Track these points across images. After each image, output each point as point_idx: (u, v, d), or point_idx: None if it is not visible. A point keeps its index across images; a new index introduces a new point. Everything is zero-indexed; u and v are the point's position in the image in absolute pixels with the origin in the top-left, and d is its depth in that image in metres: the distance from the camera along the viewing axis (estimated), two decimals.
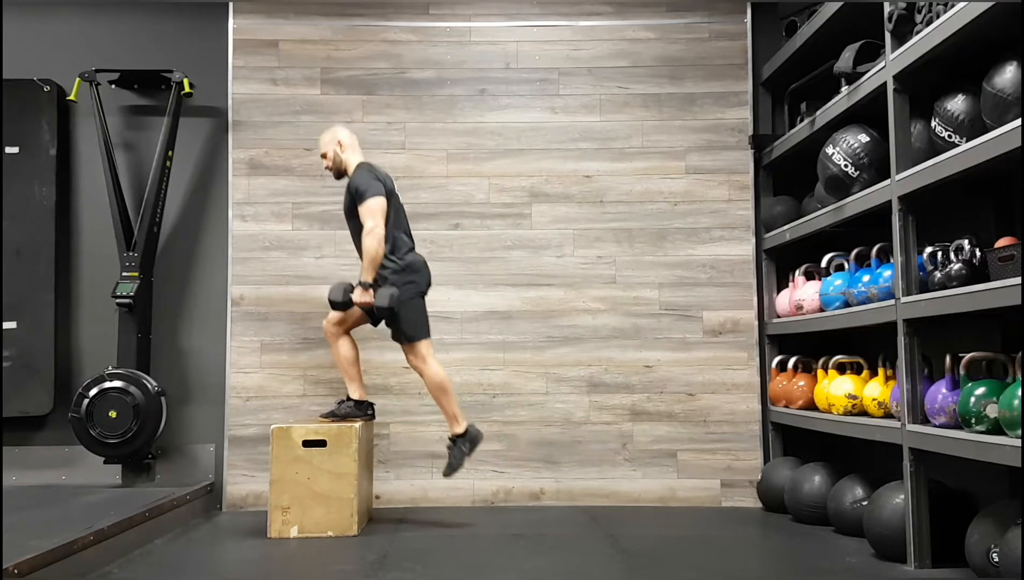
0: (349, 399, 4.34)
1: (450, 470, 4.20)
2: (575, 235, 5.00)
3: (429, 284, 4.31)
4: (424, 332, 4.24)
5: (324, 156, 4.35)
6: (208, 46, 5.05)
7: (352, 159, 4.31)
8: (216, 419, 4.87)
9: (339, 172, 4.36)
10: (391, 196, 4.23)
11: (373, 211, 4.11)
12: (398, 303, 4.09)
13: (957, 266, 3.11)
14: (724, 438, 4.87)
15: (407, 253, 4.25)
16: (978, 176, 3.09)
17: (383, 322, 4.23)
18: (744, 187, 5.01)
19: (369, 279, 4.09)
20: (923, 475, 3.29)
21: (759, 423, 4.87)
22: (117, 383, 4.50)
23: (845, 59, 3.87)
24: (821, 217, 4.16)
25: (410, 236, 4.33)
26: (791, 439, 4.75)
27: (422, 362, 4.22)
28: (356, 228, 4.23)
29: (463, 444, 4.22)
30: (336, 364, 4.44)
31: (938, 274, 3.20)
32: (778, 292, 4.84)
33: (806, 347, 4.64)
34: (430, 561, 3.52)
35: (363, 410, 4.35)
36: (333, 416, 4.27)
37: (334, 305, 4.17)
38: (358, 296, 4.09)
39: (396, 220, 4.24)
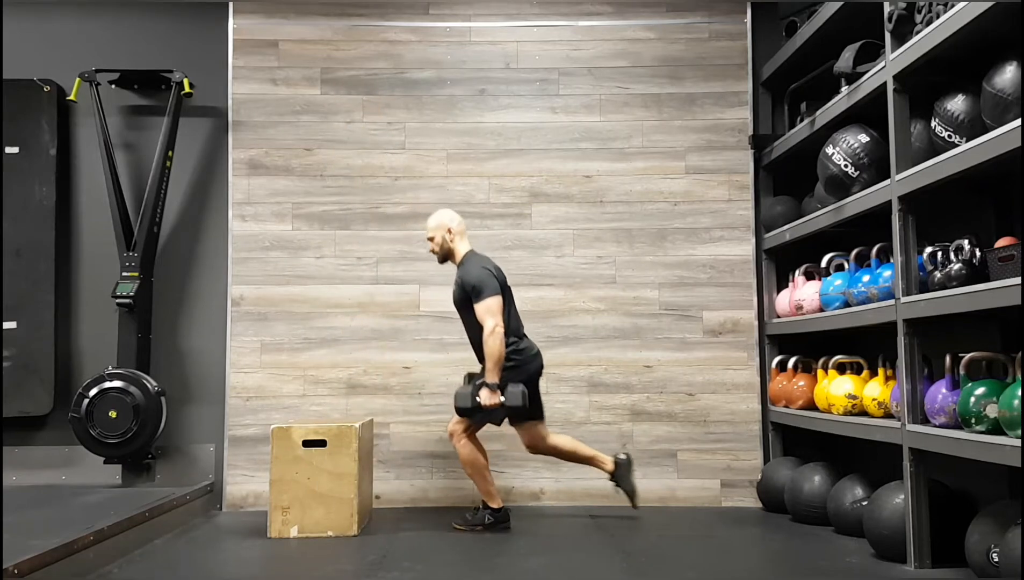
0: (486, 507, 4.18)
1: (463, 523, 4.17)
2: (575, 235, 5.00)
3: (542, 368, 4.27)
4: (541, 413, 4.26)
5: (431, 240, 4.27)
6: (208, 46, 5.05)
7: (461, 248, 4.25)
8: (216, 419, 4.87)
9: (444, 257, 4.29)
10: (505, 289, 4.18)
11: (492, 310, 4.03)
12: (528, 399, 4.05)
13: (957, 266, 3.11)
14: (724, 438, 4.87)
15: (523, 342, 4.20)
16: (978, 176, 3.09)
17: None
18: (744, 187, 5.01)
19: (495, 380, 4.00)
20: (923, 475, 3.29)
21: (759, 423, 4.87)
22: (117, 383, 4.50)
23: (845, 59, 3.87)
24: (821, 217, 4.16)
25: (520, 322, 4.27)
26: (791, 439, 4.75)
27: (541, 440, 4.24)
28: (469, 321, 4.15)
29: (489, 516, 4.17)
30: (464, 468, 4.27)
31: (938, 274, 3.19)
32: (778, 292, 4.84)
33: (806, 347, 4.64)
34: (430, 561, 3.52)
35: (500, 519, 4.17)
36: (465, 523, 4.16)
37: (463, 412, 4.04)
38: (486, 398, 3.99)
39: (510, 312, 4.19)
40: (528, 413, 4.15)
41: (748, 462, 4.85)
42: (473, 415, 4.06)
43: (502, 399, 4.01)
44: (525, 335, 4.26)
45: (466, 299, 4.13)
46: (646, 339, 4.94)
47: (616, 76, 5.08)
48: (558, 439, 4.32)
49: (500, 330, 4.01)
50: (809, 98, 4.46)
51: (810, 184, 4.48)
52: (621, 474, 4.33)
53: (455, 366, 4.88)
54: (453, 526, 4.17)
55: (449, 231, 4.23)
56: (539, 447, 4.29)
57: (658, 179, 5.03)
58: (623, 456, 4.36)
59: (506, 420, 4.23)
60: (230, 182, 4.99)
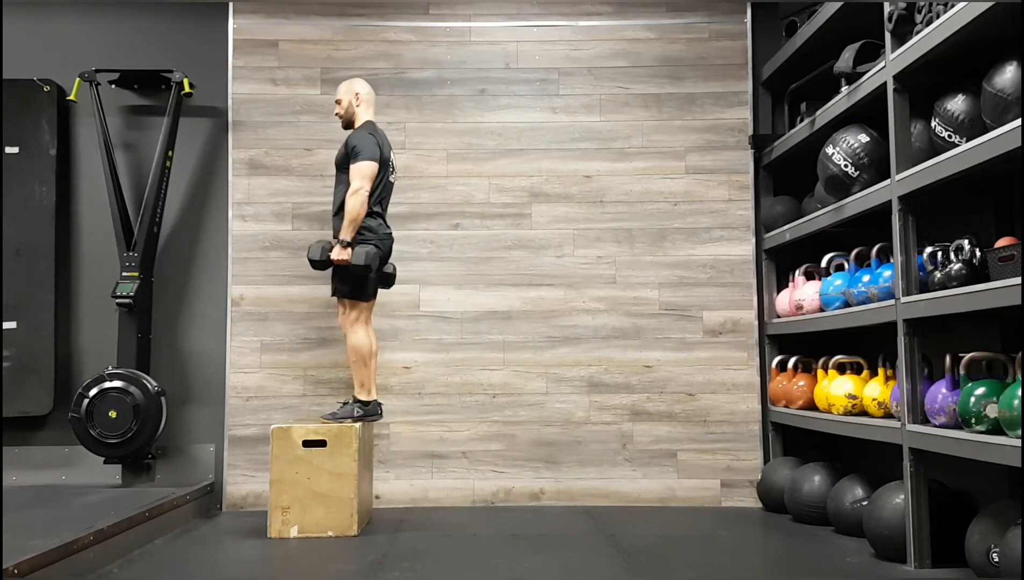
0: (356, 401, 4.32)
1: (331, 417, 4.22)
2: (575, 235, 5.00)
3: (388, 256, 4.35)
4: (365, 295, 4.27)
5: (338, 103, 4.40)
6: (208, 46, 5.05)
7: (363, 115, 4.38)
8: (216, 419, 4.87)
9: (348, 123, 4.41)
10: (385, 163, 4.27)
11: (363, 173, 4.16)
12: (375, 261, 4.16)
13: (957, 266, 3.11)
14: (724, 438, 4.87)
15: (376, 221, 4.27)
16: (978, 176, 3.09)
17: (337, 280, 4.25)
18: (744, 187, 5.01)
19: (348, 237, 4.13)
20: (923, 475, 3.29)
21: (759, 423, 4.87)
22: (117, 383, 4.50)
23: (845, 59, 3.87)
24: (821, 217, 4.16)
25: (384, 208, 4.35)
26: (791, 439, 4.75)
27: (351, 324, 4.25)
28: (341, 184, 4.28)
29: (357, 408, 4.25)
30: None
31: (938, 274, 3.20)
32: (778, 292, 4.84)
33: (806, 347, 4.64)
34: (430, 561, 3.52)
35: (369, 412, 4.33)
36: (333, 418, 4.26)
37: (313, 264, 4.21)
38: (336, 253, 4.12)
39: (382, 190, 4.29)
40: (363, 282, 4.20)
41: (748, 462, 4.85)
42: (322, 268, 4.20)
43: (350, 257, 4.10)
44: (385, 221, 4.31)
45: (345, 159, 4.24)
46: (646, 339, 4.94)
47: (616, 76, 5.08)
48: (363, 338, 4.25)
49: (364, 194, 4.14)
50: (809, 98, 4.46)
51: (810, 184, 4.48)
52: (357, 411, 4.24)
53: (455, 366, 4.89)
54: (321, 420, 4.22)
55: (357, 96, 4.37)
56: (346, 329, 4.27)
57: (658, 179, 5.03)
58: (379, 411, 4.33)
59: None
60: (230, 182, 5.00)
